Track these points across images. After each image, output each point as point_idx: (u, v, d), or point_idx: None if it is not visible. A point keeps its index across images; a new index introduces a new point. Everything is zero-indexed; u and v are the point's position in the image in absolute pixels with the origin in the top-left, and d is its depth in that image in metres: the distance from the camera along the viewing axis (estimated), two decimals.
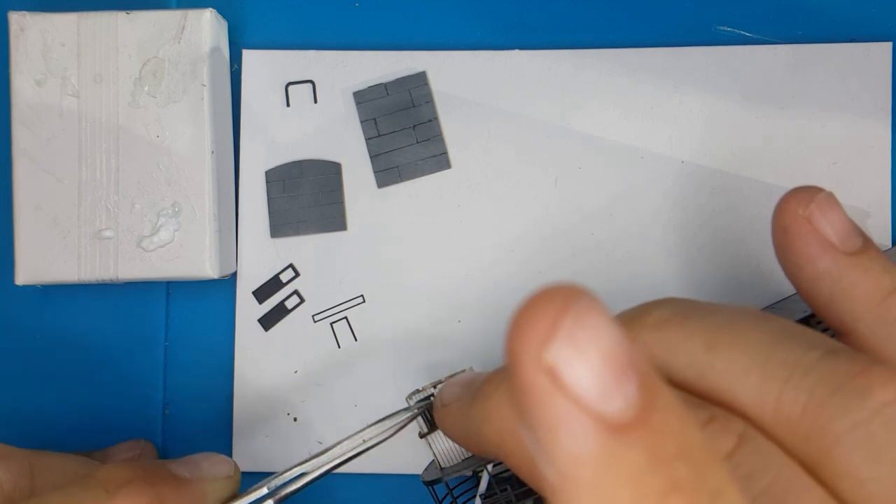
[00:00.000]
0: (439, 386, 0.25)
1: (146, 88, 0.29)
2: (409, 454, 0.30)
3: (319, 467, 0.25)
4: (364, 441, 0.25)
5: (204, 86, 0.29)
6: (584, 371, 0.12)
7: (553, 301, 0.12)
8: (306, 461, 0.25)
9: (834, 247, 0.20)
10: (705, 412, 0.16)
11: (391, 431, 0.25)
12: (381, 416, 0.26)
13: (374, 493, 0.30)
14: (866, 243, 0.21)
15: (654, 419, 0.12)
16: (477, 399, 0.20)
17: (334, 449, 0.25)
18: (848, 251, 0.20)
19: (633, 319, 0.18)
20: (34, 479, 0.24)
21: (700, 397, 0.17)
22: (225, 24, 0.30)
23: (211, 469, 0.26)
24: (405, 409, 0.26)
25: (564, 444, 0.12)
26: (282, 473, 0.25)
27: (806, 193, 0.21)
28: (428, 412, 0.26)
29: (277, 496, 0.24)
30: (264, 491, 0.24)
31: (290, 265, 0.31)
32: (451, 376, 0.25)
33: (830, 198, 0.21)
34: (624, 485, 0.12)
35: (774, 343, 0.17)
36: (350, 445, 0.25)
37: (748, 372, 0.16)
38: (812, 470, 0.16)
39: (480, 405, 0.20)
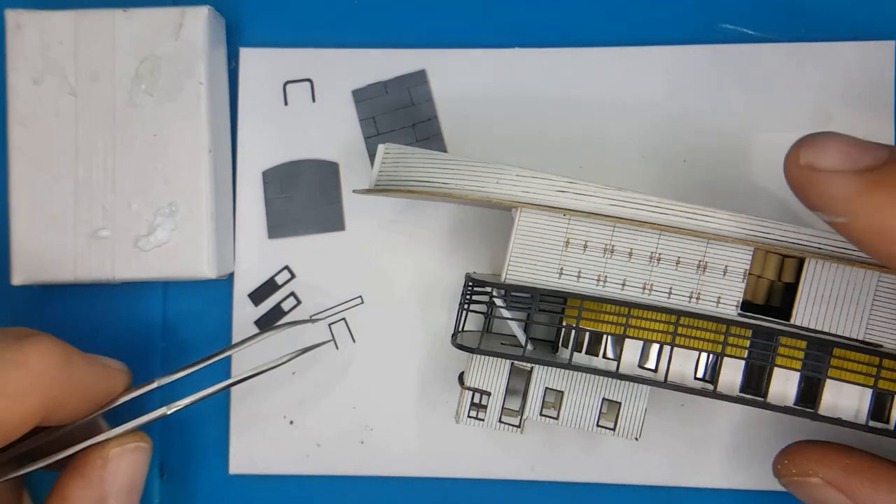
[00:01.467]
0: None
1: (143, 87, 0.28)
2: (412, 458, 0.30)
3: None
4: (264, 364, 0.26)
5: (201, 84, 0.28)
6: None
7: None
8: (192, 366, 0.26)
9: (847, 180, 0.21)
10: None
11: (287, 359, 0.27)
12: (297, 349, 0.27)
13: (375, 493, 0.30)
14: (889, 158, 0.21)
15: None
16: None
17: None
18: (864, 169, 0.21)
19: None
20: None
21: None
22: (222, 22, 0.30)
23: (115, 364, 0.27)
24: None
25: None
26: (172, 374, 0.26)
27: (797, 145, 0.22)
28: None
29: (173, 407, 0.26)
30: (154, 385, 0.26)
31: (286, 267, 0.30)
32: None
33: (824, 138, 0.21)
34: None
35: None
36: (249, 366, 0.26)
37: None
38: None
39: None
